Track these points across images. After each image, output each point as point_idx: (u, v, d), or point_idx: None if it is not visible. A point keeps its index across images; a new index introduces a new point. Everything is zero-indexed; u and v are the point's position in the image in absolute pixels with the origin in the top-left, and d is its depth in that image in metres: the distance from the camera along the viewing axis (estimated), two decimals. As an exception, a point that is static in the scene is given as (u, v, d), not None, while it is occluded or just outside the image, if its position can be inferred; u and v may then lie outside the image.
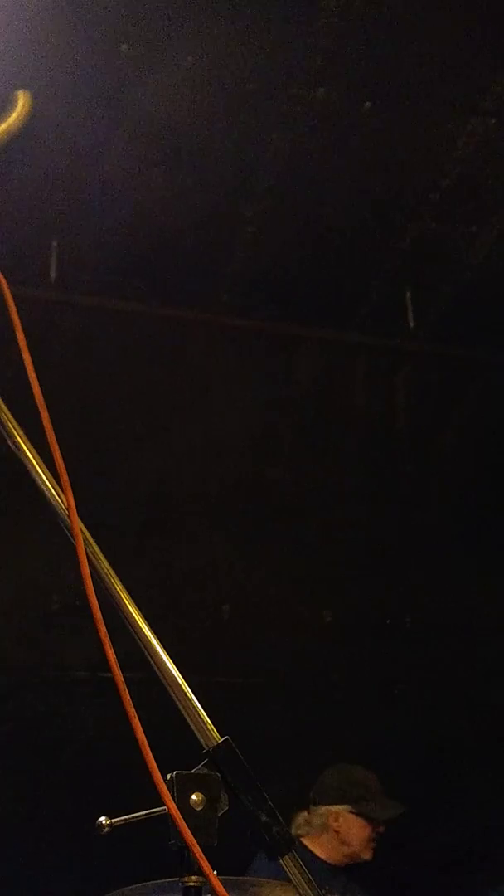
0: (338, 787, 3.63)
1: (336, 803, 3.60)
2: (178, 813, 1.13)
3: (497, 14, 3.28)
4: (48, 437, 1.32)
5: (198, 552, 4.44)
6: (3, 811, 3.82)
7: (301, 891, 1.20)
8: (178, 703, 1.23)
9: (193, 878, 1.16)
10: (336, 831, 3.58)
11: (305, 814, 3.65)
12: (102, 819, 1.18)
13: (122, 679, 1.17)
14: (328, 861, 3.58)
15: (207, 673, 4.00)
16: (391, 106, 3.56)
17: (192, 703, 1.23)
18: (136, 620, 1.25)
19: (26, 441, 1.31)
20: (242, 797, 1.19)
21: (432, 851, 4.20)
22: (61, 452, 1.31)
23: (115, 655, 1.19)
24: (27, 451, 1.30)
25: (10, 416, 1.31)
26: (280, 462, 4.59)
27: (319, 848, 3.59)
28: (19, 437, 1.31)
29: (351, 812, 3.59)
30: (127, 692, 1.17)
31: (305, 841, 3.60)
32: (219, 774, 1.19)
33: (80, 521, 1.27)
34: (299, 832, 3.60)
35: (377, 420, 4.77)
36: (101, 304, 4.28)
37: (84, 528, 1.28)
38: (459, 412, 4.81)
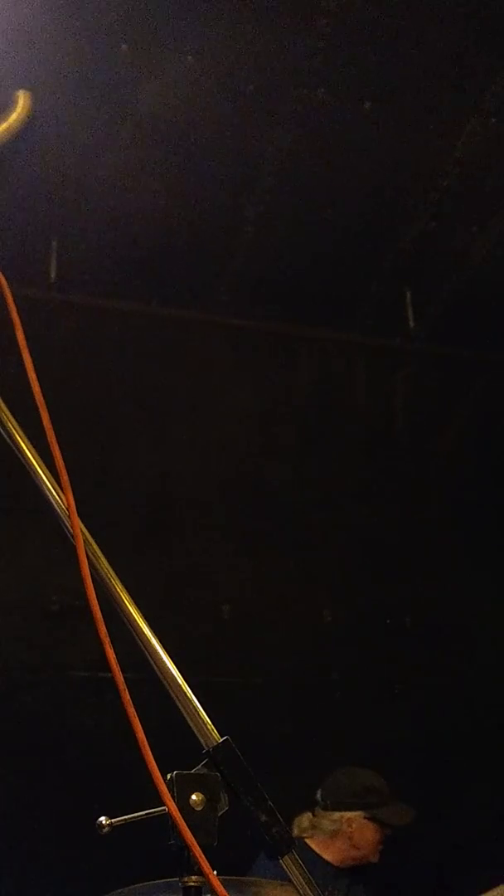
0: (353, 793, 3.61)
1: (351, 809, 3.59)
2: (178, 813, 1.13)
3: (497, 15, 3.28)
4: (48, 437, 1.32)
5: (198, 552, 4.44)
6: (3, 811, 3.82)
7: (301, 891, 1.20)
8: (178, 703, 1.23)
9: (193, 878, 1.16)
10: (349, 837, 3.56)
11: (310, 815, 3.64)
12: (102, 819, 1.18)
13: (122, 679, 1.17)
14: (333, 863, 3.58)
15: (207, 673, 4.00)
16: (391, 106, 3.56)
17: (192, 703, 1.23)
18: (136, 620, 1.25)
19: (26, 441, 1.31)
20: (242, 797, 1.19)
21: (432, 851, 4.20)
22: (61, 452, 1.31)
23: (115, 655, 1.19)
24: (27, 451, 1.30)
25: (10, 416, 1.31)
26: (280, 462, 4.59)
27: (327, 850, 3.57)
28: (19, 437, 1.31)
29: (366, 818, 3.58)
30: (127, 692, 1.17)
31: (310, 842, 3.59)
32: (219, 774, 1.19)
33: (80, 521, 1.27)
34: (304, 834, 3.59)
35: (377, 420, 4.77)
36: (101, 304, 4.28)
37: (84, 528, 1.28)
38: (459, 412, 4.81)
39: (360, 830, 3.57)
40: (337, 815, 3.58)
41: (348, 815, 3.57)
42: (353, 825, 3.56)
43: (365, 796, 3.60)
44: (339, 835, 3.57)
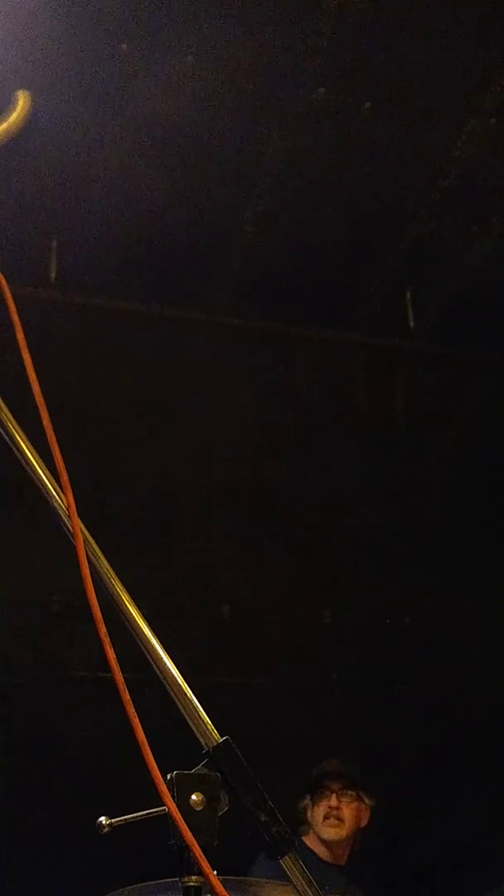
0: (305, 785, 3.67)
1: (303, 800, 3.64)
2: (178, 813, 1.13)
3: (497, 14, 3.28)
4: (48, 437, 1.32)
5: (198, 552, 4.44)
6: (3, 811, 3.82)
7: (301, 891, 1.20)
8: (178, 703, 1.23)
9: (193, 878, 1.16)
10: (309, 823, 3.62)
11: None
12: (102, 819, 1.18)
13: (122, 679, 1.17)
14: (326, 860, 3.59)
15: (207, 673, 4.00)
16: (391, 106, 3.56)
17: (192, 703, 1.23)
18: (136, 620, 1.25)
19: (26, 441, 1.31)
20: (242, 797, 1.19)
21: (432, 851, 4.20)
22: (61, 452, 1.31)
23: (115, 655, 1.19)
24: (27, 451, 1.30)
25: (10, 416, 1.31)
26: (280, 462, 4.59)
27: (314, 846, 3.61)
28: (19, 437, 1.31)
29: (310, 800, 3.63)
30: (127, 692, 1.17)
31: (306, 840, 3.61)
32: (219, 774, 1.19)
33: (80, 521, 1.27)
34: (298, 833, 3.62)
35: (377, 420, 4.77)
36: (101, 304, 4.28)
37: (84, 528, 1.27)
38: (459, 412, 4.81)
39: (312, 814, 3.61)
40: (300, 807, 3.64)
41: (302, 804, 3.63)
42: (308, 812, 3.61)
43: (307, 783, 3.65)
44: (308, 825, 3.62)
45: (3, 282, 1.40)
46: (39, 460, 1.30)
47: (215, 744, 1.21)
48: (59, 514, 1.28)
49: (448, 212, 4.00)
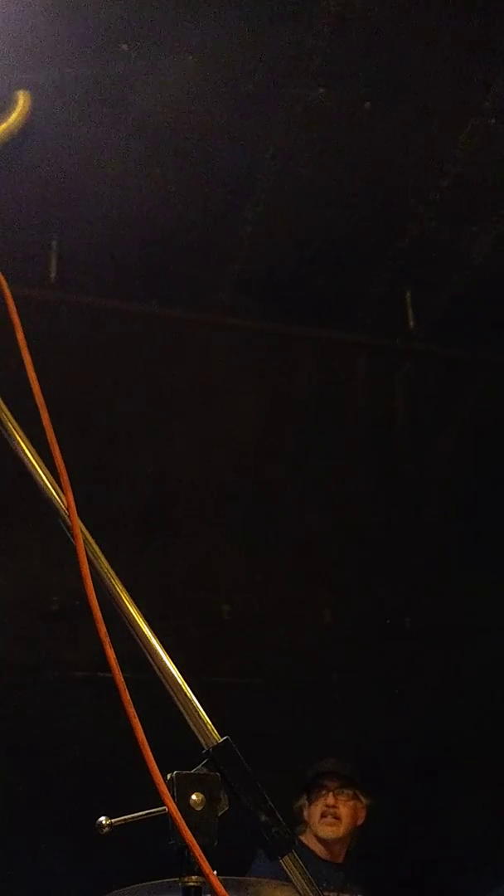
0: (301, 785, 3.66)
1: (299, 799, 3.64)
2: (178, 813, 1.13)
3: (497, 14, 3.28)
4: (48, 437, 1.32)
5: (198, 552, 4.44)
6: (3, 811, 3.82)
7: (301, 891, 1.20)
8: (178, 703, 1.23)
9: (193, 878, 1.16)
10: (306, 823, 3.61)
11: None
12: (102, 819, 1.18)
13: (122, 679, 1.17)
14: (324, 858, 3.59)
15: (207, 673, 4.00)
16: (391, 106, 3.56)
17: (192, 703, 1.23)
18: (136, 620, 1.25)
19: (26, 441, 1.31)
20: (242, 797, 1.19)
21: (432, 851, 4.20)
22: (61, 452, 1.31)
23: (115, 655, 1.19)
24: (27, 450, 1.30)
25: (10, 416, 1.31)
26: (280, 462, 4.59)
27: (311, 845, 3.61)
28: (19, 437, 1.31)
29: (307, 799, 3.62)
30: (127, 692, 1.17)
31: (304, 839, 3.62)
32: (219, 774, 1.19)
33: (80, 521, 1.27)
34: (295, 832, 3.62)
35: (377, 420, 4.77)
36: (101, 304, 4.28)
37: (84, 528, 1.27)
38: (459, 412, 4.81)
39: (308, 814, 3.61)
40: (296, 807, 3.64)
41: (298, 804, 3.62)
42: (304, 812, 3.61)
43: (304, 782, 3.64)
44: (305, 824, 3.62)
45: (3, 282, 1.40)
46: (39, 460, 1.30)
47: (215, 744, 1.21)
48: (59, 514, 1.28)
49: (448, 212, 4.00)
